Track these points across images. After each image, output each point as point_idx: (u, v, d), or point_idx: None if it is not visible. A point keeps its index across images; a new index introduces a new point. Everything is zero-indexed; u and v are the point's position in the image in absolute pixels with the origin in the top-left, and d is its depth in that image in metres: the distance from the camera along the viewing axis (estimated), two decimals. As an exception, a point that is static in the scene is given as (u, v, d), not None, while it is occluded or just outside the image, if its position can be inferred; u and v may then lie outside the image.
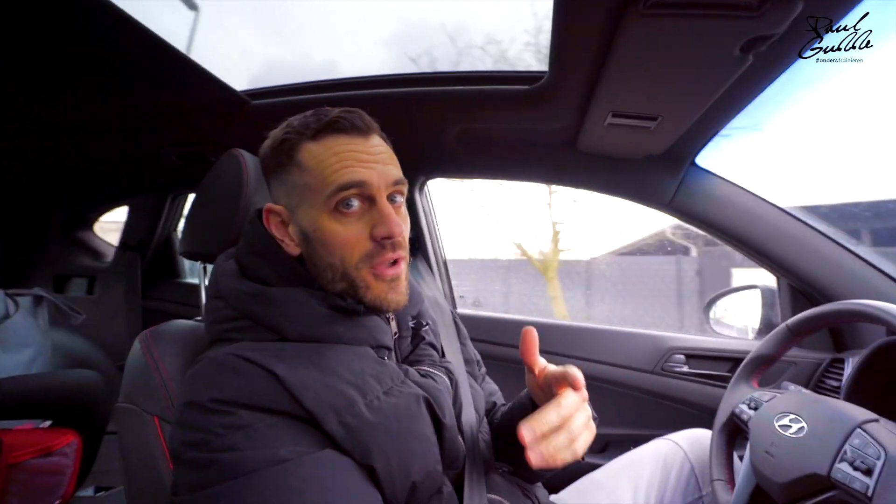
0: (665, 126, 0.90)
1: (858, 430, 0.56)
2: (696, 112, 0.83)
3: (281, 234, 0.58)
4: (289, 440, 0.47)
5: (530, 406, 0.66)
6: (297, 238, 0.57)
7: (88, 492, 1.39)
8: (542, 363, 0.58)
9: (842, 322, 0.75)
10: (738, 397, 0.76)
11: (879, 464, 0.51)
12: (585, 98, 0.87)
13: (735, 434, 0.75)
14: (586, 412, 0.52)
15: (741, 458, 0.77)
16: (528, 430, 0.46)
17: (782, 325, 0.80)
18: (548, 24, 0.70)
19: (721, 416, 0.77)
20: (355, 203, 0.54)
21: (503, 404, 0.87)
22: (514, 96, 0.96)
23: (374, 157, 0.55)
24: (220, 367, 0.50)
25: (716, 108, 0.83)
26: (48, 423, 1.24)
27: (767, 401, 0.70)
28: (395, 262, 0.57)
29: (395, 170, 0.58)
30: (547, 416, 0.48)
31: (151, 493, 0.60)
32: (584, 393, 0.52)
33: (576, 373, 0.51)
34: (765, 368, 0.80)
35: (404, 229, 0.56)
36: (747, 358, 0.82)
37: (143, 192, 1.80)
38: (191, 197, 1.84)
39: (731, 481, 0.69)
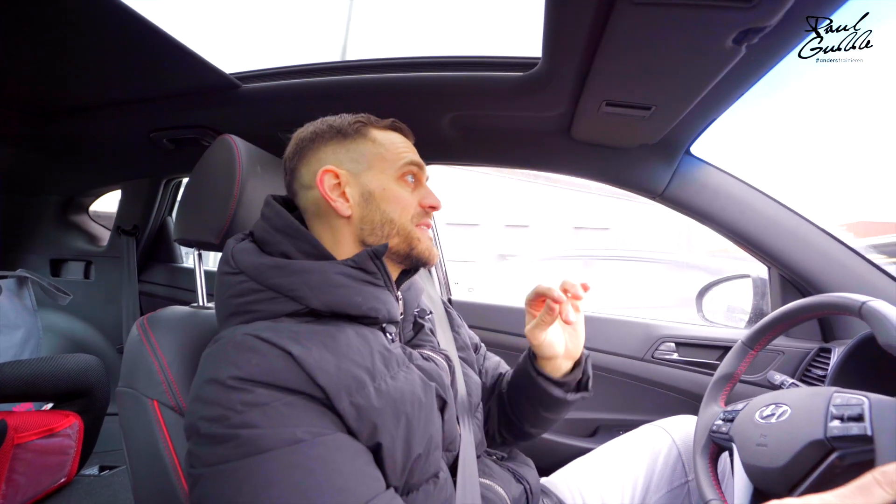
0: (659, 116, 0.89)
1: (835, 393, 0.58)
2: (690, 102, 0.82)
3: (336, 194, 0.65)
4: (305, 420, 0.48)
5: (532, 370, 0.76)
6: (356, 197, 0.65)
7: (93, 470, 1.43)
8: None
9: (791, 325, 0.76)
10: (711, 417, 0.78)
11: (866, 407, 0.53)
12: (579, 87, 0.86)
13: (717, 454, 0.76)
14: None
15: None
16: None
17: (738, 342, 0.82)
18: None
19: (699, 440, 0.78)
20: (411, 179, 0.68)
21: (507, 371, 0.90)
22: (509, 83, 0.94)
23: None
24: (238, 347, 0.52)
25: (710, 98, 0.82)
26: (49, 405, 1.27)
27: (742, 408, 0.72)
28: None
29: None
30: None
31: (154, 472, 0.62)
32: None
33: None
34: (730, 386, 0.82)
35: None
36: (713, 379, 0.83)
37: (136, 176, 1.78)
38: (185, 182, 1.83)
39: (724, 498, 0.70)
